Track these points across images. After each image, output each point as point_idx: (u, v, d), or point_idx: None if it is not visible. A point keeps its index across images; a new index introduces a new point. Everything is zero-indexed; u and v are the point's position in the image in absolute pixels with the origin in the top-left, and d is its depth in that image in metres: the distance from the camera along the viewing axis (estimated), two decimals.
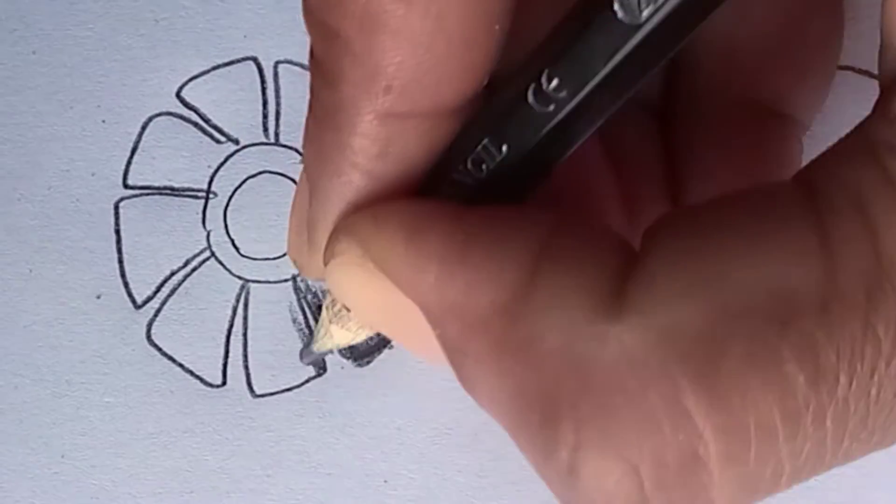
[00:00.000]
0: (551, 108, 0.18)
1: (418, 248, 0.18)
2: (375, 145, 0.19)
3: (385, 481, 0.26)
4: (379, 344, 0.27)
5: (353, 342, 0.24)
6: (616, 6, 0.17)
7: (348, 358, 0.27)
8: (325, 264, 0.20)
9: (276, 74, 0.28)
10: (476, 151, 0.19)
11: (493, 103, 0.19)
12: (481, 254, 0.18)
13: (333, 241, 0.20)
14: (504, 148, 0.19)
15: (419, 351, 0.20)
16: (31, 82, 0.28)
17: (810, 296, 0.16)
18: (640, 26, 0.17)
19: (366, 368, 0.27)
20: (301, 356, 0.26)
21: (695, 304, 0.16)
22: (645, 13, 0.17)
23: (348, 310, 0.22)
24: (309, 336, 0.27)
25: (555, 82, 0.18)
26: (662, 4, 0.16)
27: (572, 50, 0.17)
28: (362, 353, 0.27)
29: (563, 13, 0.18)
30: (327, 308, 0.23)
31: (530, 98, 0.18)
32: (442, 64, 0.18)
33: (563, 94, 0.18)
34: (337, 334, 0.23)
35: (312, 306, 0.27)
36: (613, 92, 0.18)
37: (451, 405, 0.26)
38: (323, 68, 0.18)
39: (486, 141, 0.19)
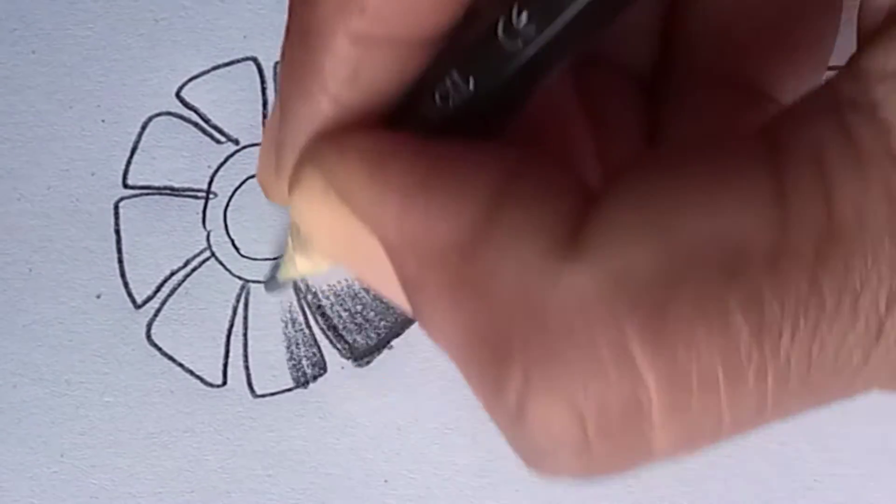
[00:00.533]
0: (520, 43, 0.18)
1: (380, 180, 0.18)
2: (346, 68, 0.19)
3: (385, 481, 0.26)
4: (379, 344, 0.27)
5: (315, 272, 0.24)
6: None
7: (348, 358, 0.27)
8: (290, 193, 0.20)
9: (276, 74, 0.28)
10: (443, 84, 0.19)
11: (462, 36, 0.19)
12: (442, 188, 0.18)
13: (298, 169, 0.20)
14: (471, 82, 0.19)
15: (377, 286, 0.20)
16: (31, 82, 0.28)
17: (760, 248, 0.16)
18: None
19: (366, 368, 0.27)
20: (265, 286, 0.26)
21: (646, 249, 0.16)
22: None
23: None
24: (274, 265, 0.27)
25: (524, 17, 0.18)
26: None
27: None
28: (362, 353, 0.27)
29: None
30: (292, 236, 0.23)
31: (500, 32, 0.18)
32: None
33: (532, 29, 0.18)
34: (300, 263, 0.23)
35: (312, 306, 0.27)
36: (583, 31, 0.18)
37: (451, 405, 0.26)
38: None
39: (453, 74, 0.19)
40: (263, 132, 0.23)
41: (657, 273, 0.16)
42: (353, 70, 0.19)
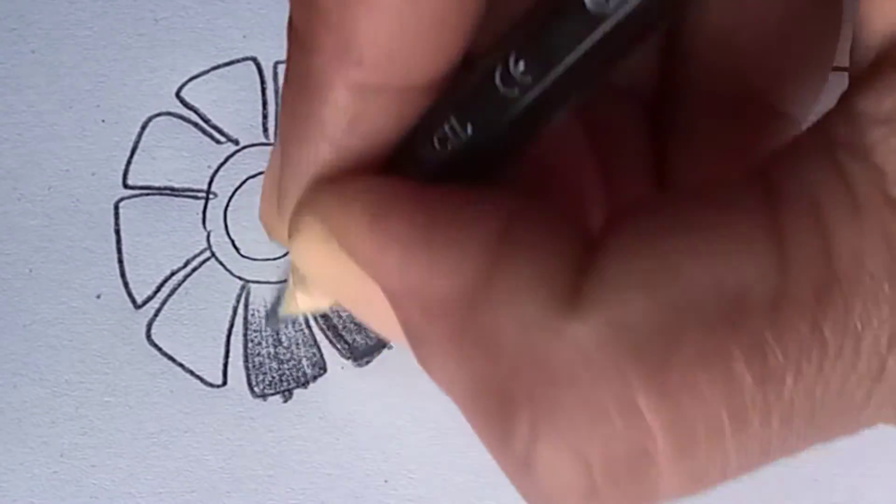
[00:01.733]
0: (517, 91, 0.18)
1: (381, 230, 0.18)
2: (345, 117, 0.19)
3: (385, 481, 0.26)
4: (379, 344, 0.27)
5: (316, 309, 0.24)
6: None
7: (348, 358, 0.27)
8: (290, 237, 0.20)
9: (275, 74, 0.28)
10: (442, 129, 0.19)
11: (461, 82, 0.19)
12: (443, 238, 0.18)
13: (298, 215, 0.20)
14: (469, 127, 0.19)
15: (379, 328, 0.21)
16: (31, 82, 0.28)
17: (761, 296, 0.16)
18: (607, 16, 0.17)
19: (366, 368, 0.27)
20: (266, 320, 0.26)
21: (647, 301, 0.16)
22: (612, 3, 0.17)
23: None
24: (275, 300, 0.27)
25: (521, 66, 0.18)
26: None
27: (540, 35, 0.18)
28: (362, 353, 0.27)
29: None
30: (292, 273, 0.23)
31: (497, 80, 0.18)
32: (415, 41, 0.18)
33: (529, 78, 0.18)
34: (301, 300, 0.23)
35: None
36: (579, 80, 0.18)
37: (452, 405, 0.26)
38: (299, 35, 0.19)
39: (451, 119, 0.19)
40: (265, 173, 0.23)
41: (659, 324, 0.16)
42: (351, 118, 0.19)
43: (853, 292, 0.16)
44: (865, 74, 0.17)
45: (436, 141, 0.19)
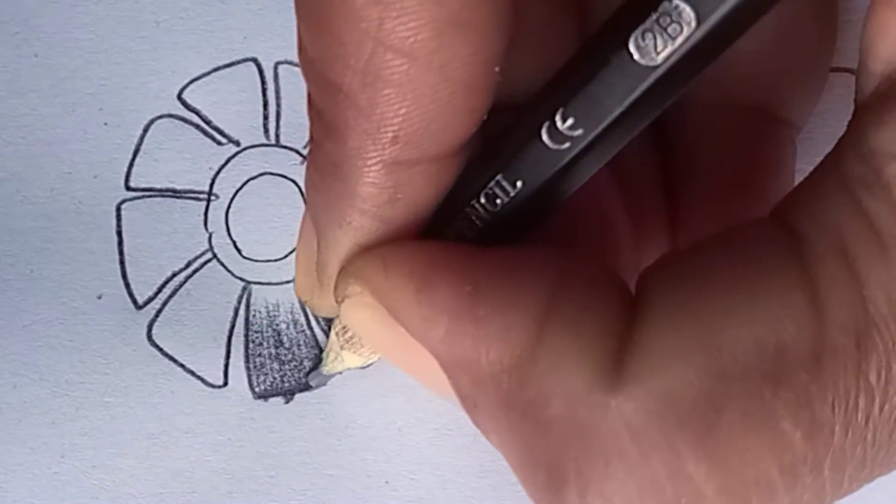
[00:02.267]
0: (566, 145, 0.18)
1: (427, 300, 0.18)
2: (384, 193, 0.19)
3: (386, 482, 0.26)
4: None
5: (365, 365, 0.24)
6: (632, 48, 0.17)
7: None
8: (338, 303, 0.20)
9: (276, 75, 0.28)
10: (490, 187, 0.19)
11: (505, 140, 0.19)
12: (489, 309, 0.18)
13: (343, 283, 0.20)
14: (518, 184, 0.19)
15: (433, 388, 0.21)
16: (33, 85, 0.28)
17: (802, 350, 0.16)
18: (655, 67, 0.17)
19: (367, 369, 0.27)
20: (309, 379, 0.26)
21: (689, 370, 0.16)
22: (661, 56, 0.17)
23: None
24: (317, 359, 0.27)
25: (570, 121, 0.18)
26: (679, 46, 0.17)
27: (587, 90, 0.18)
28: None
29: (573, 51, 0.18)
30: (337, 333, 0.23)
31: (544, 136, 0.18)
32: (446, 110, 0.18)
33: (579, 132, 0.18)
34: (348, 358, 0.23)
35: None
36: (627, 128, 0.18)
37: (452, 406, 0.26)
38: (326, 120, 0.18)
39: (499, 177, 0.19)
40: (297, 251, 0.24)
41: (703, 391, 0.16)
42: (391, 193, 0.19)
43: (893, 334, 0.16)
44: (873, 105, 0.17)
45: (484, 198, 0.19)
